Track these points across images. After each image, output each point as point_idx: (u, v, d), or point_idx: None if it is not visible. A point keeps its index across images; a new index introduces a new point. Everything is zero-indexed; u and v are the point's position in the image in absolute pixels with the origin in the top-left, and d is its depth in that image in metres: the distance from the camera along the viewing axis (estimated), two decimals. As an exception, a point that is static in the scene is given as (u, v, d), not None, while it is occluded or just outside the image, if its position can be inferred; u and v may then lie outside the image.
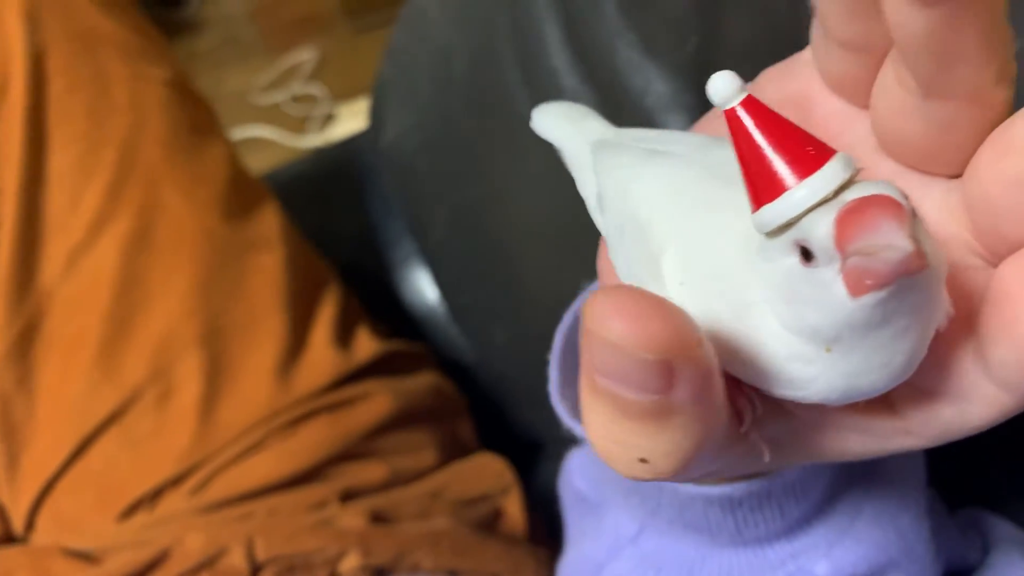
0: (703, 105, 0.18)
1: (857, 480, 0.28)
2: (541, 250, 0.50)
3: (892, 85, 0.17)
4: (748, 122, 0.16)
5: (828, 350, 0.16)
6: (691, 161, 0.20)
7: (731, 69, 0.19)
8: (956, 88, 0.16)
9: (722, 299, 0.18)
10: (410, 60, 0.57)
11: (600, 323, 0.15)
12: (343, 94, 1.59)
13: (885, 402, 0.19)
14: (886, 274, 0.14)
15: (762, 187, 0.16)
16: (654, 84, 0.44)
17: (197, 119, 0.51)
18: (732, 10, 0.40)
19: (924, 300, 0.16)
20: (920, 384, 0.18)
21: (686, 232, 0.19)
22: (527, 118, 0.43)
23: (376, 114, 0.62)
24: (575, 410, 0.28)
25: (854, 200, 0.15)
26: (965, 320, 0.17)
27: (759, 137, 0.16)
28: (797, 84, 0.20)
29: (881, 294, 0.15)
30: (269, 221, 0.51)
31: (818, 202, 0.15)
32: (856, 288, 0.15)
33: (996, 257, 0.17)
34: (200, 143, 0.50)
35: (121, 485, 0.47)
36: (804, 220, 0.15)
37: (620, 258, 0.21)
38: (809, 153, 0.16)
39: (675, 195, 0.20)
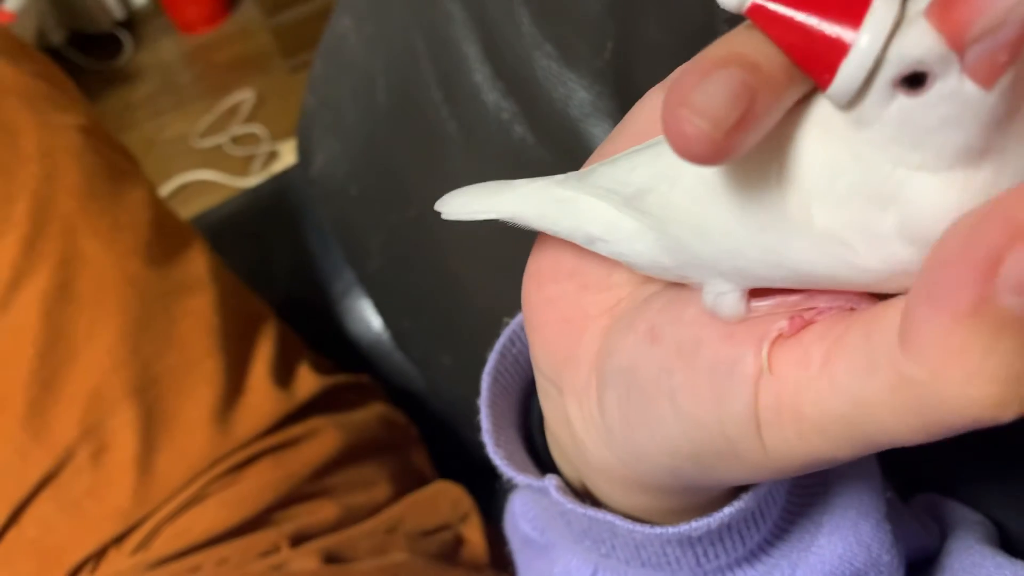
0: (625, 109, 0.17)
1: (814, 494, 0.27)
2: (478, 269, 0.49)
3: None
4: (773, 5, 0.15)
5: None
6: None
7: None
8: None
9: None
10: (332, 88, 0.56)
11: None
12: (283, 132, 1.59)
13: None
14: (1016, 41, 0.13)
15: (824, 56, 0.14)
16: (575, 93, 0.43)
17: (113, 164, 0.49)
18: (644, 12, 0.39)
19: None
20: None
21: (781, 164, 0.16)
22: (454, 138, 0.42)
23: (303, 145, 0.61)
24: (511, 459, 0.27)
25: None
26: None
27: (791, 12, 0.14)
28: None
29: (1011, 72, 0.13)
30: (196, 263, 0.49)
31: (893, 26, 0.14)
32: (990, 76, 0.14)
33: None
34: (118, 189, 0.48)
35: (60, 550, 0.45)
36: (892, 52, 0.14)
37: (719, 226, 0.18)
38: None
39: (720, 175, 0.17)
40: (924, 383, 0.14)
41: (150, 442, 0.45)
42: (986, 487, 0.31)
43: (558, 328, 0.23)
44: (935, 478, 0.33)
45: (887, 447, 0.16)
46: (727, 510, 0.23)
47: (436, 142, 0.50)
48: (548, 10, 0.43)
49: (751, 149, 0.15)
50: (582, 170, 0.21)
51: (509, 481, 0.26)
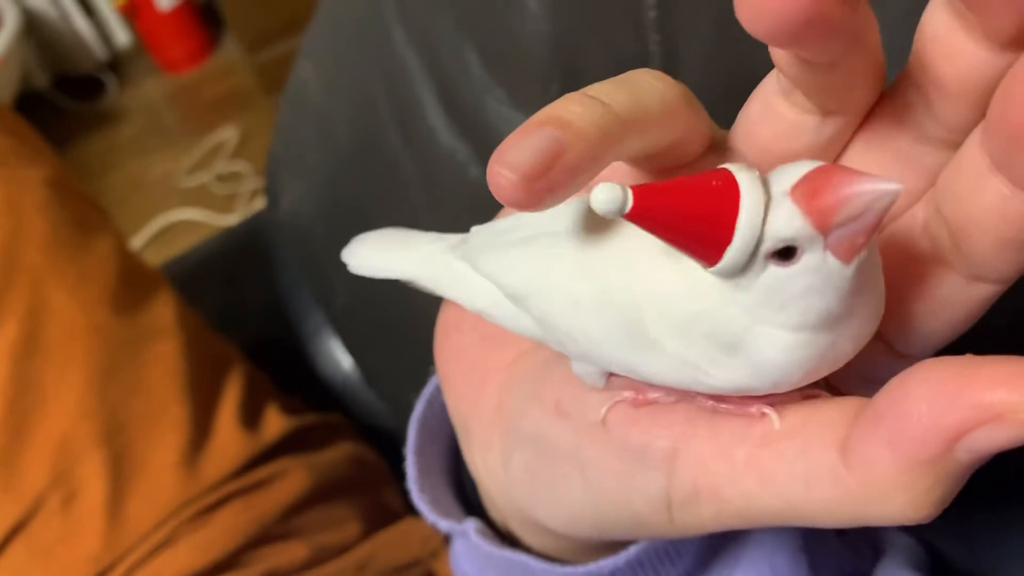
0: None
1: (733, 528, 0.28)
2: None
3: (782, 107, 0.18)
4: (652, 210, 0.16)
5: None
6: (575, 234, 0.20)
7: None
8: (850, 107, 0.18)
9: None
10: (296, 132, 0.58)
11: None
12: (264, 171, 1.59)
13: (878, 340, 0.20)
14: (872, 225, 0.15)
15: (707, 242, 0.16)
16: (526, 134, 0.44)
17: (80, 215, 0.50)
18: (584, 52, 0.41)
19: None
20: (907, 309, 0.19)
21: (645, 292, 0.18)
22: (412, 178, 0.43)
23: (271, 188, 0.62)
24: (436, 504, 0.28)
25: (803, 184, 0.15)
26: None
27: (671, 214, 0.16)
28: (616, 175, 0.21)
29: (866, 250, 0.16)
30: (163, 310, 0.50)
31: (765, 209, 0.16)
32: (850, 253, 0.15)
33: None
34: (85, 240, 0.49)
35: (33, 597, 0.45)
36: (769, 232, 0.16)
37: (585, 336, 0.19)
38: (717, 186, 0.16)
39: (601, 265, 0.19)
40: (866, 500, 0.16)
41: (119, 488, 0.46)
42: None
43: (463, 380, 0.24)
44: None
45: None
46: (633, 549, 0.24)
47: (396, 183, 0.51)
48: (496, 56, 0.44)
49: (565, 197, 0.17)
50: (480, 231, 0.22)
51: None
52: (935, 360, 0.15)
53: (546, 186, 0.16)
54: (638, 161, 0.20)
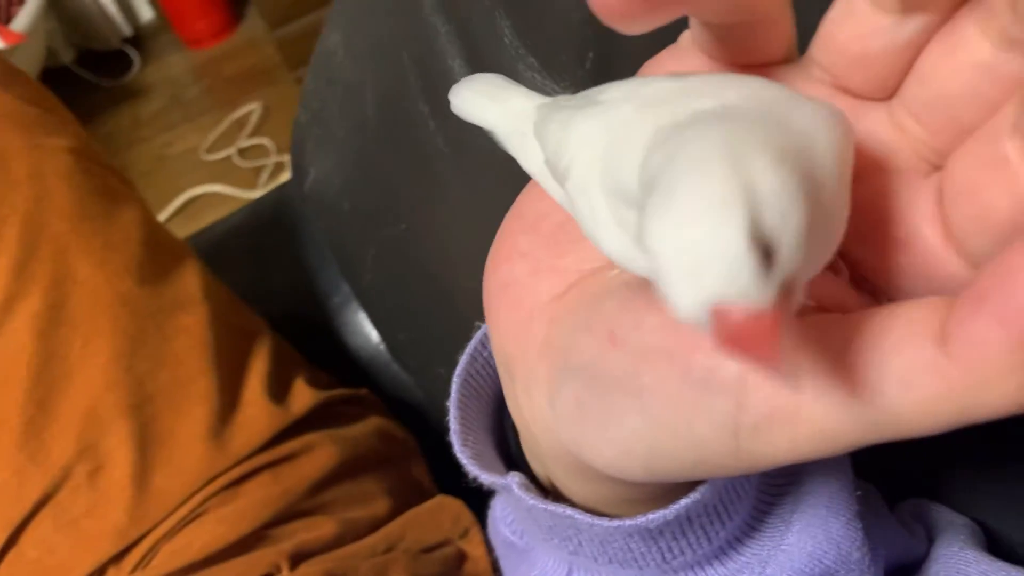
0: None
1: (785, 491, 0.27)
2: (470, 279, 0.49)
3: (863, 8, 0.18)
4: None
5: None
6: (625, 100, 0.19)
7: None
8: (933, 4, 0.17)
9: None
10: (323, 103, 0.57)
11: None
12: (290, 144, 1.59)
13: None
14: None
15: None
16: (559, 103, 0.43)
17: (105, 185, 0.50)
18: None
19: None
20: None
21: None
22: (441, 150, 0.42)
23: (296, 160, 0.61)
24: (479, 458, 0.27)
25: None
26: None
27: None
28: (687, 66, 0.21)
29: None
30: (189, 281, 0.50)
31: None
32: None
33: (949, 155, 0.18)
34: (110, 209, 0.48)
35: (60, 569, 0.45)
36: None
37: (587, 213, 0.19)
38: None
39: (609, 135, 0.18)
40: (972, 390, 0.15)
41: (146, 460, 0.45)
42: (972, 492, 0.31)
43: (509, 314, 0.23)
44: (922, 484, 0.33)
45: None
46: (683, 502, 0.23)
47: (424, 155, 0.50)
48: (529, 23, 0.43)
49: (657, 22, 0.17)
50: (570, 98, 0.21)
51: (479, 482, 0.27)
52: None
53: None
54: (718, 46, 0.20)
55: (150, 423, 0.46)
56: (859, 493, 0.27)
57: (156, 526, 0.45)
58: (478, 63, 0.46)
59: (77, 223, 0.46)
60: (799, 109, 0.17)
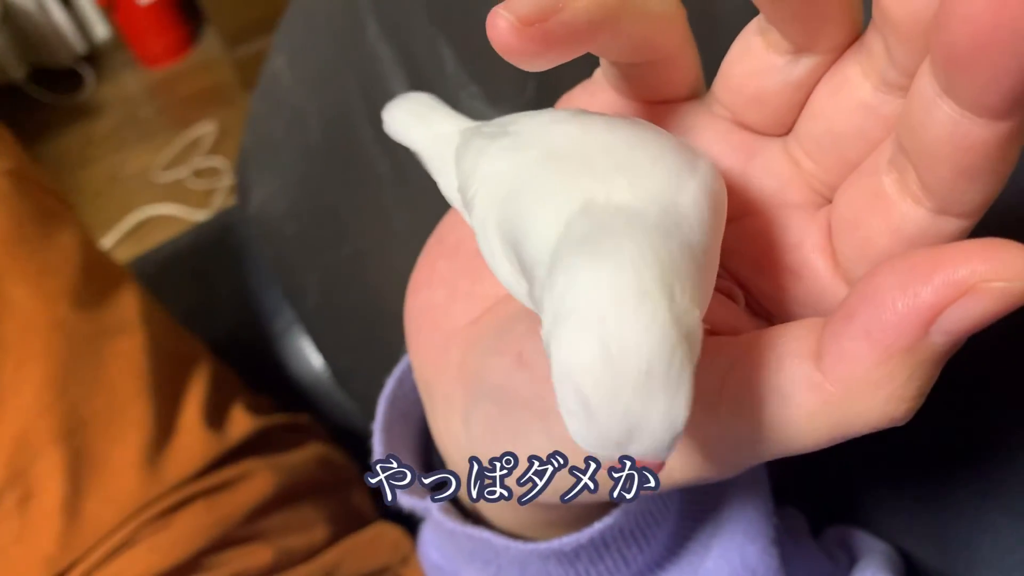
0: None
1: (705, 517, 0.27)
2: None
3: (758, 48, 0.19)
4: None
5: None
6: (531, 146, 0.19)
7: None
8: (821, 45, 0.18)
9: None
10: (267, 127, 0.57)
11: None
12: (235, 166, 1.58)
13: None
14: None
15: None
16: (501, 131, 0.44)
17: (43, 208, 0.49)
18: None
19: None
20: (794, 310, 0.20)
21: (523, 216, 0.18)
22: (385, 176, 0.42)
23: (242, 183, 0.61)
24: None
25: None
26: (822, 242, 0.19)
27: None
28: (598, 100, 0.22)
29: None
30: (127, 305, 0.49)
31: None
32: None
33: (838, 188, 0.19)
34: (47, 232, 0.48)
35: (-12, 600, 0.44)
36: None
37: (486, 248, 0.19)
38: None
39: (512, 179, 0.19)
40: (845, 403, 0.16)
41: (78, 487, 0.45)
42: (894, 517, 0.32)
43: (428, 338, 0.24)
44: (847, 509, 0.33)
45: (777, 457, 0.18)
46: (597, 526, 0.24)
47: (369, 180, 0.50)
48: (470, 51, 0.43)
49: (556, 60, 0.17)
50: (491, 123, 0.22)
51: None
52: (902, 253, 0.15)
53: (540, 34, 0.16)
54: (626, 83, 0.21)
55: (83, 449, 0.45)
56: (775, 521, 0.27)
57: (87, 554, 0.44)
58: (421, 89, 0.46)
59: (12, 247, 0.46)
60: (683, 190, 0.17)
